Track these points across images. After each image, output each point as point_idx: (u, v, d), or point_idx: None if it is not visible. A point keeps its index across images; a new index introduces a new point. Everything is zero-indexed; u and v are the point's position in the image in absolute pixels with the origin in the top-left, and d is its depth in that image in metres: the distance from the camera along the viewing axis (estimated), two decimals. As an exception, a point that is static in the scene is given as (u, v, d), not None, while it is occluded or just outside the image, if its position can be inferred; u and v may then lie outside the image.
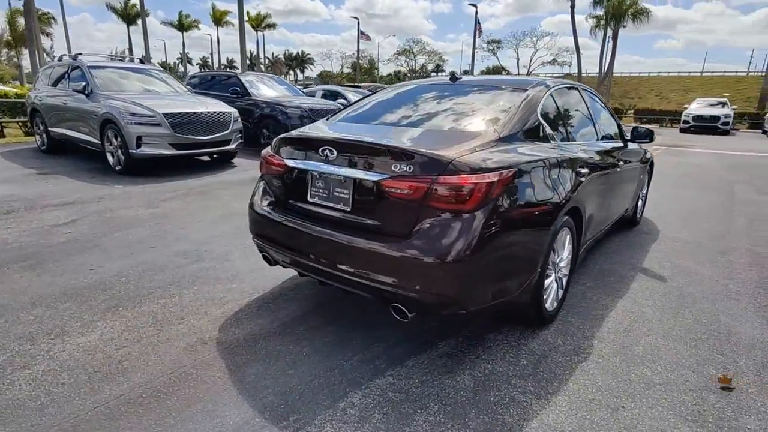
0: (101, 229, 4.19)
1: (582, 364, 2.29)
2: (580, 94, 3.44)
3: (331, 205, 2.33)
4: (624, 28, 23.64)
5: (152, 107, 6.48)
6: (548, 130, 2.65)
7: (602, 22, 23.40)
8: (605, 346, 2.46)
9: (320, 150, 2.31)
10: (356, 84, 19.84)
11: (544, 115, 2.70)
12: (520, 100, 2.62)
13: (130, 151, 6.35)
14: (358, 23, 40.59)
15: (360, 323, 2.64)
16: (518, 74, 33.24)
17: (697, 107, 21.15)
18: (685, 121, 20.74)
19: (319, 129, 2.78)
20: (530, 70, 35.08)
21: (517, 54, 34.74)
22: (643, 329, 2.65)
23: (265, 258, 2.74)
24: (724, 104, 21.87)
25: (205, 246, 3.81)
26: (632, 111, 28.05)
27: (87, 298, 2.86)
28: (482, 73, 39.98)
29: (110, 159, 6.77)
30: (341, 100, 11.50)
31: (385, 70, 55.09)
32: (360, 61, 43.88)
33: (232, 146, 7.48)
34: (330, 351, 2.36)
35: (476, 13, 30.52)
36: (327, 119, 3.06)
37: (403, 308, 2.09)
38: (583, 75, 27.40)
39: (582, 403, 1.99)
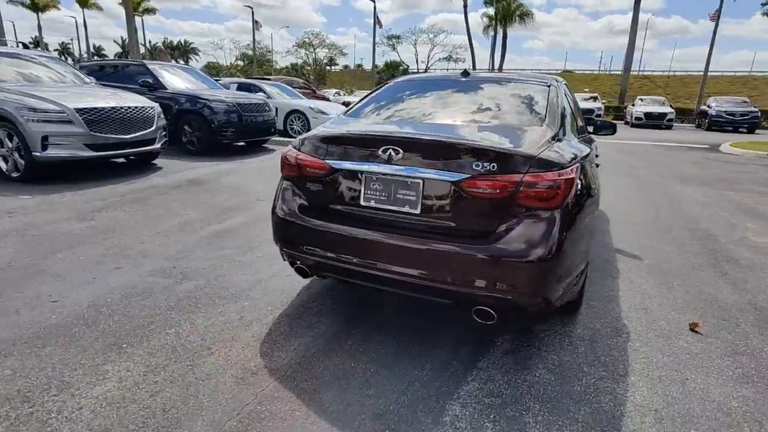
0: (35, 250, 3.43)
1: (629, 344, 2.45)
2: (568, 88, 3.66)
3: (394, 208, 2.17)
4: (510, 28, 25.89)
5: (59, 101, 5.46)
6: (579, 122, 2.77)
7: (494, 22, 25.29)
8: (636, 325, 2.66)
9: (382, 149, 2.14)
10: (264, 77, 18.87)
11: (568, 109, 2.82)
12: (551, 94, 2.69)
13: (33, 153, 5.29)
14: (252, 12, 38.53)
15: (404, 331, 2.52)
16: (418, 69, 34.60)
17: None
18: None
19: (364, 126, 2.59)
20: (429, 65, 36.79)
21: (416, 50, 36.12)
22: (654, 305, 2.93)
23: (298, 270, 2.47)
24: (595, 98, 25.00)
25: (183, 262, 3.33)
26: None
27: (71, 338, 2.32)
28: (386, 66, 40.91)
29: (2, 165, 5.58)
30: (260, 94, 10.84)
31: (282, 62, 53.18)
32: (255, 53, 41.79)
33: (157, 146, 6.63)
34: (396, 363, 2.22)
35: (375, 6, 30.91)
36: (351, 116, 2.84)
37: (490, 311, 2.03)
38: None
39: (654, 381, 2.14)
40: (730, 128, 20.95)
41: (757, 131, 20.87)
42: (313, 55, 43.12)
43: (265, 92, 11.54)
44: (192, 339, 2.36)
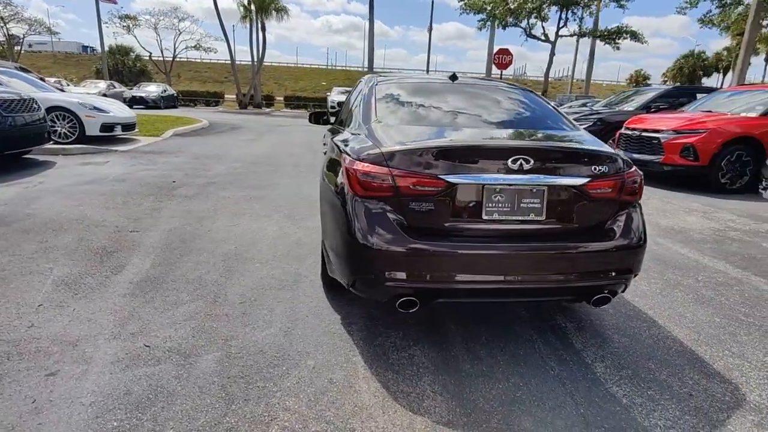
0: None
1: (674, 334, 2.66)
2: None
3: (518, 217, 2.15)
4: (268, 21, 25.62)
5: None
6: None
7: (249, 13, 24.42)
8: (663, 311, 2.93)
9: (511, 160, 2.07)
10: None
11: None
12: (542, 98, 3.06)
13: None
14: None
15: (487, 336, 2.52)
16: (163, 58, 30.04)
17: (337, 95, 25.74)
18: (332, 106, 24.95)
19: (469, 135, 2.46)
20: (176, 54, 32.45)
21: (158, 35, 31.35)
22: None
23: (405, 304, 2.14)
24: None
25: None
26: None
27: None
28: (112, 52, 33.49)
29: None
30: (-5, 86, 7.73)
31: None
32: None
33: None
34: (518, 368, 2.23)
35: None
36: (384, 125, 2.53)
37: (608, 296, 2.28)
38: (237, 63, 28.00)
39: (730, 367, 2.31)
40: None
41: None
42: (4, 30, 32.22)
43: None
44: None
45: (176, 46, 31.40)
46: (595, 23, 20.83)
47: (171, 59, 31.51)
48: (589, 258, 2.18)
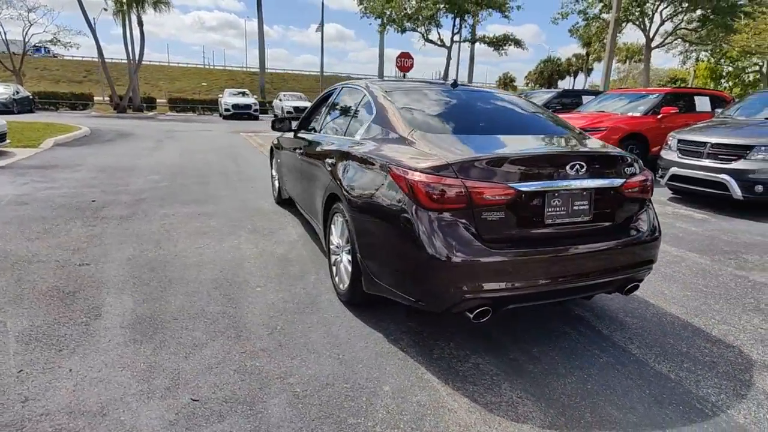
0: None
1: (667, 310, 2.98)
2: None
3: (570, 220, 2.28)
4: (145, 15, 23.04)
5: None
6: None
7: (123, 6, 21.67)
8: (647, 290, 3.22)
9: (569, 166, 2.18)
10: None
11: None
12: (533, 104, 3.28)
13: None
14: None
15: (530, 335, 2.63)
16: (10, 53, 24.88)
17: (231, 97, 24.31)
18: (227, 109, 23.55)
19: (529, 143, 2.57)
20: (26, 48, 27.10)
21: (2, 28, 25.87)
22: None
23: (479, 315, 2.13)
24: (244, 93, 26.24)
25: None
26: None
27: None
28: None
29: None
30: None
31: None
32: None
33: None
34: (573, 361, 2.38)
35: None
36: (422, 131, 2.47)
37: (639, 284, 2.53)
38: (107, 61, 24.63)
39: (724, 333, 2.73)
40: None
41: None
42: None
43: None
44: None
45: (26, 40, 26.60)
46: (473, 32, 22.80)
47: (21, 55, 26.63)
48: (628, 252, 2.39)
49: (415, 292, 2.19)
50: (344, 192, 2.69)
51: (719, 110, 7.65)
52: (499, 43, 18.46)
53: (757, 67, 26.05)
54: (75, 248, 3.68)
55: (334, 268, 3.08)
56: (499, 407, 2.00)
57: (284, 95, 26.63)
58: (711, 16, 15.49)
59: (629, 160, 2.45)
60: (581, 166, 2.23)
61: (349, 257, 2.74)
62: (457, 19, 17.99)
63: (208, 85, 50.84)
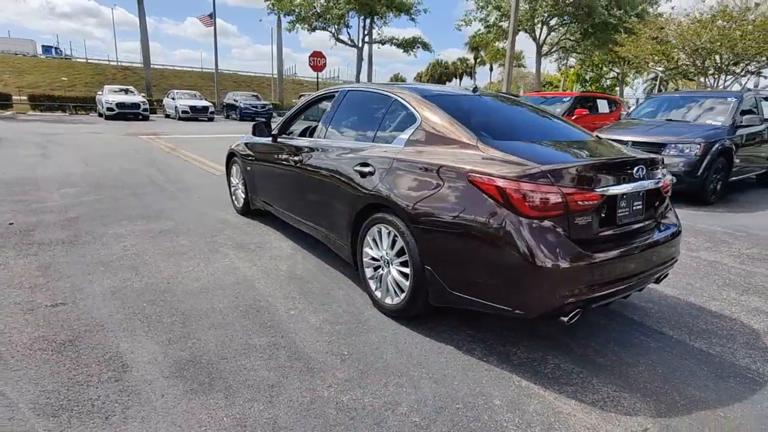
0: None
1: (668, 293, 3.72)
2: None
3: (632, 219, 2.44)
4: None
5: None
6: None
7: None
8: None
9: (636, 169, 2.34)
10: None
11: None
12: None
13: None
14: None
15: (580, 331, 2.77)
16: None
17: (114, 95, 21.60)
18: (110, 109, 20.91)
19: (585, 149, 2.61)
20: None
21: None
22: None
23: (572, 317, 2.19)
24: (129, 91, 23.51)
25: None
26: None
27: None
28: None
29: None
30: None
31: None
32: None
33: None
34: (631, 349, 2.57)
35: None
36: (492, 139, 2.44)
37: (668, 274, 2.79)
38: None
39: (722, 307, 3.49)
40: (255, 117, 25.69)
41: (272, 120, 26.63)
42: None
43: None
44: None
45: None
46: (369, 34, 23.27)
47: None
48: (670, 244, 2.63)
49: (512, 300, 2.17)
50: (398, 201, 2.55)
51: (624, 112, 8.80)
52: (409, 45, 19.09)
53: (614, 74, 30.59)
54: (31, 285, 2.97)
55: (372, 282, 2.91)
56: (606, 404, 2.07)
57: (177, 93, 24.43)
58: (591, 30, 18.02)
59: (660, 161, 2.71)
60: (642, 169, 2.41)
61: (403, 269, 2.62)
62: (368, 20, 18.15)
63: (69, 81, 44.24)
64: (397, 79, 68.45)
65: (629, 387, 2.20)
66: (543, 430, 1.88)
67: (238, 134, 16.65)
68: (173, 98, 24.30)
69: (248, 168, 4.63)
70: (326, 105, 3.78)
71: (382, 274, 2.83)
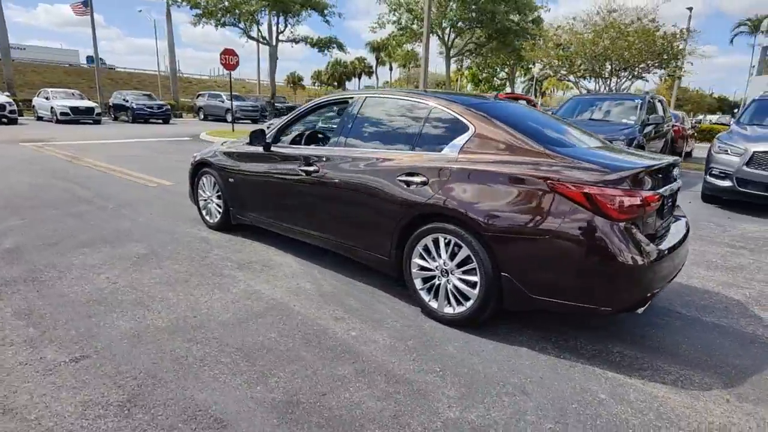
0: None
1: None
2: None
3: (669, 216, 2.77)
4: None
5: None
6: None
7: None
8: None
9: (673, 171, 2.63)
10: None
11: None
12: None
13: None
14: None
15: (622, 318, 3.03)
16: None
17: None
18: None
19: (636, 153, 2.86)
20: None
21: None
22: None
23: (645, 307, 2.40)
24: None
25: None
26: None
27: None
28: None
29: None
30: None
31: None
32: None
33: None
34: (675, 336, 2.89)
35: None
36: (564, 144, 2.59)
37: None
38: None
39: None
40: (151, 119, 23.42)
41: (171, 121, 24.38)
42: None
43: None
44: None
45: None
46: (270, 33, 22.43)
47: None
48: (687, 238, 2.98)
49: (599, 298, 2.31)
50: (465, 210, 2.54)
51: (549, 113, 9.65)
52: (324, 44, 18.74)
53: (504, 75, 33.46)
54: (26, 339, 2.41)
55: (423, 293, 2.88)
56: (683, 383, 2.30)
57: (52, 92, 21.25)
58: (495, 35, 19.48)
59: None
60: (678, 171, 2.71)
61: (467, 278, 2.64)
62: (280, 18, 17.43)
63: None
64: (294, 78, 66.99)
65: (689, 364, 2.48)
66: (656, 415, 2.05)
67: (146, 138, 15.19)
68: (47, 98, 21.08)
69: (231, 180, 4.23)
70: (332, 112, 3.62)
71: (437, 285, 2.81)
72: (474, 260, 2.58)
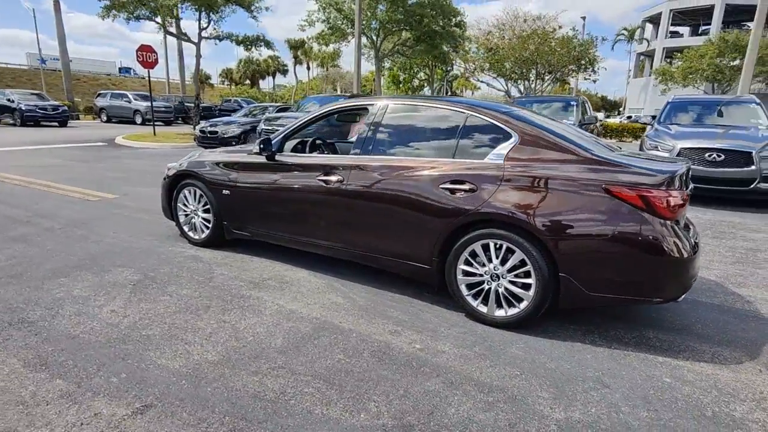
0: None
1: None
2: None
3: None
4: None
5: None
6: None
7: None
8: None
9: (690, 173, 2.93)
10: None
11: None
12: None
13: None
14: None
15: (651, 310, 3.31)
16: None
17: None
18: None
19: (658, 159, 3.15)
20: None
21: None
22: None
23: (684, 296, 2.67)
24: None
25: None
26: None
27: None
28: None
29: None
30: None
31: None
32: None
33: None
34: (702, 329, 3.22)
35: None
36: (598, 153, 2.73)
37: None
38: None
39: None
40: (43, 122, 20.77)
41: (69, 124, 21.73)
42: None
43: None
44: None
45: None
46: (206, 28, 21.03)
47: None
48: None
49: (653, 291, 2.52)
50: (521, 215, 2.63)
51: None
52: (251, 42, 17.79)
53: (423, 75, 34.60)
54: (62, 394, 2.03)
55: (470, 299, 2.92)
56: (721, 360, 2.58)
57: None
58: (423, 37, 20.01)
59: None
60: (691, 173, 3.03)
61: (521, 280, 2.72)
62: (203, 14, 16.19)
63: None
64: (201, 77, 62.93)
65: (713, 342, 2.79)
66: (719, 392, 2.29)
67: (52, 145, 13.70)
68: None
69: (225, 192, 3.91)
70: (344, 120, 3.51)
71: (486, 289, 2.86)
72: (529, 263, 2.67)
